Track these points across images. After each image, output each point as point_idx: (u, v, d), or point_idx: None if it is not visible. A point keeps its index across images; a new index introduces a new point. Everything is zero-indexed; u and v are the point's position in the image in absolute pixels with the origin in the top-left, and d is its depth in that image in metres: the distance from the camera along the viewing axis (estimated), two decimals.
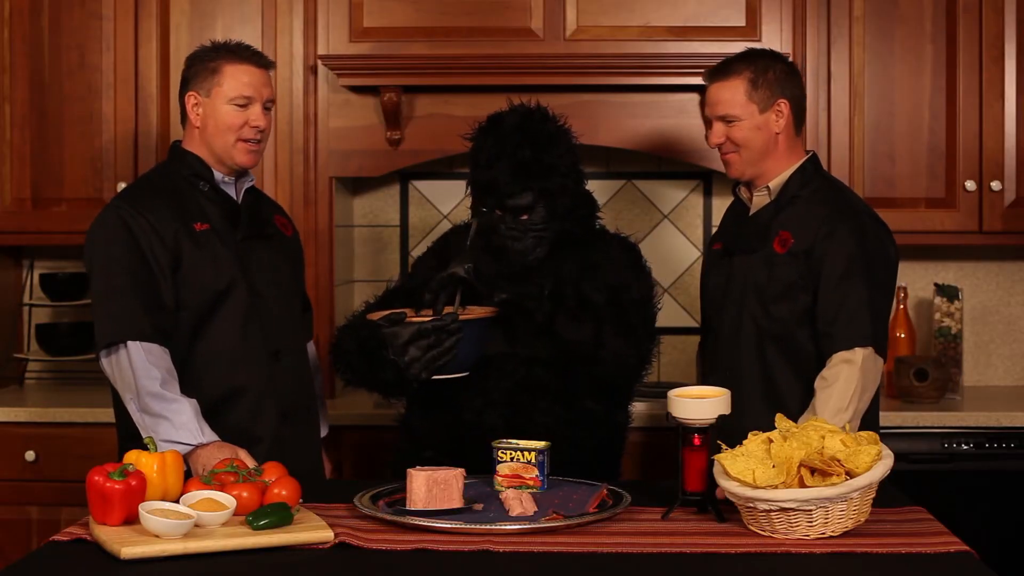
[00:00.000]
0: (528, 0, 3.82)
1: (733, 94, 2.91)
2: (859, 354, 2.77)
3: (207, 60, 2.91)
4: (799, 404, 2.82)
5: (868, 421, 2.88)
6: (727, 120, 2.92)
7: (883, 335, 2.84)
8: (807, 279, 2.86)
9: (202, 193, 2.91)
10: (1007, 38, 3.81)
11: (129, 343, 2.73)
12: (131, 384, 2.73)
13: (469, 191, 2.96)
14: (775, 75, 2.93)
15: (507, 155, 2.84)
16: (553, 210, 2.88)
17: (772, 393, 2.89)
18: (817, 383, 2.79)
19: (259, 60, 2.93)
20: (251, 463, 2.55)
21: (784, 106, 2.93)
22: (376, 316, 2.83)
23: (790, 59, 3.76)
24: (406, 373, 2.75)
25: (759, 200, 2.99)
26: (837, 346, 2.79)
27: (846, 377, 2.75)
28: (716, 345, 3.03)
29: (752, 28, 3.81)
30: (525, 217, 2.88)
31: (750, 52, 3.01)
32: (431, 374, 2.76)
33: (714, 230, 4.17)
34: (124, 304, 2.75)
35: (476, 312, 2.81)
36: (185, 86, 2.95)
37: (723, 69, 2.94)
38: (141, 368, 2.72)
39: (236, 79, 2.88)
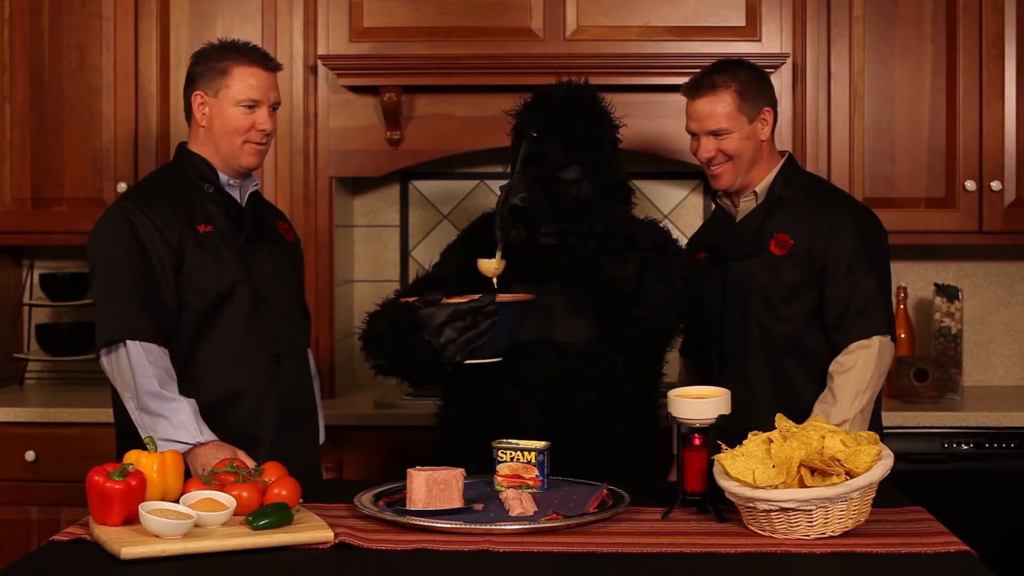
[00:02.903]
0: (528, 0, 3.82)
1: (723, 107, 2.93)
2: (876, 341, 2.84)
3: (216, 59, 2.91)
4: (813, 398, 2.85)
5: (871, 418, 2.89)
6: (718, 134, 2.94)
7: (892, 320, 2.91)
8: (812, 277, 2.90)
9: (207, 195, 2.91)
10: (1007, 38, 3.81)
11: (128, 342, 2.73)
12: (130, 383, 2.73)
13: (509, 168, 2.94)
14: (757, 84, 2.97)
15: (560, 128, 2.84)
16: (598, 185, 2.88)
17: (787, 394, 2.90)
18: (833, 367, 2.85)
19: (267, 63, 2.94)
20: (250, 463, 2.55)
21: (768, 114, 2.98)
22: (413, 299, 2.81)
23: (790, 60, 3.80)
24: (440, 355, 2.73)
25: (746, 205, 3.02)
26: (852, 338, 2.85)
27: (864, 362, 2.82)
28: (721, 354, 3.02)
29: (752, 28, 3.81)
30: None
31: (725, 64, 3.01)
32: (465, 357, 2.75)
33: None
34: (125, 303, 2.75)
35: (511, 296, 2.81)
36: (191, 84, 2.94)
37: (707, 84, 2.95)
38: (140, 367, 2.72)
39: (244, 82, 2.88)
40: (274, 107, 2.94)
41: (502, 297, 2.78)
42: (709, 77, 2.96)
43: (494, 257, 2.85)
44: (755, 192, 3.00)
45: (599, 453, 2.76)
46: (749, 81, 2.96)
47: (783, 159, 3.03)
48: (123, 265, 2.78)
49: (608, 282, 2.84)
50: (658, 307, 2.86)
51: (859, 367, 2.82)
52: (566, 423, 2.77)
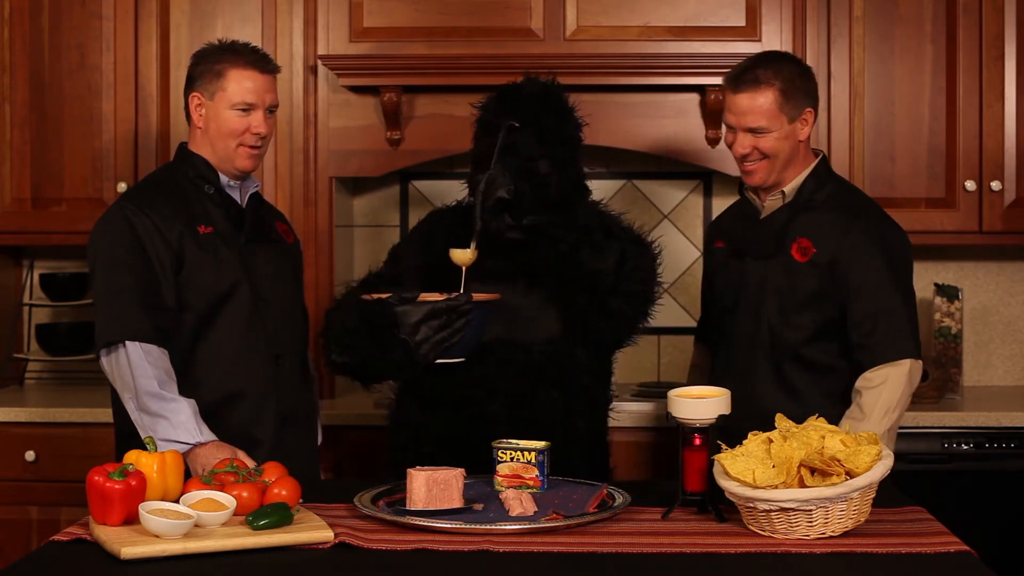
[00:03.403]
0: (528, 0, 3.82)
1: (764, 105, 2.84)
2: (906, 363, 2.80)
3: (213, 61, 2.90)
4: (817, 405, 2.80)
5: None
6: (756, 131, 2.86)
7: (919, 342, 2.85)
8: (831, 289, 2.85)
9: (207, 196, 2.91)
10: (1007, 38, 3.81)
11: (128, 343, 2.73)
12: (129, 383, 2.73)
13: (478, 177, 2.89)
14: (801, 83, 2.88)
15: (530, 122, 2.81)
16: (566, 181, 2.85)
17: (789, 397, 2.88)
18: (860, 383, 2.81)
19: (264, 65, 2.92)
20: (250, 463, 2.56)
21: (810, 115, 2.90)
22: (382, 295, 2.77)
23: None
24: (415, 354, 2.70)
25: (772, 203, 2.96)
26: (879, 360, 2.80)
27: (894, 379, 2.79)
28: (728, 349, 3.00)
29: (752, 28, 3.81)
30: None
31: (771, 57, 2.92)
32: (437, 356, 2.72)
33: None
34: (124, 304, 2.75)
35: (480, 296, 2.76)
36: (190, 85, 2.94)
37: (751, 78, 2.85)
38: (139, 368, 2.72)
39: (240, 84, 2.87)
40: (271, 110, 2.93)
41: (475, 296, 2.74)
42: (753, 71, 2.86)
43: (468, 247, 2.78)
44: (783, 192, 2.93)
45: (561, 450, 2.75)
46: (793, 79, 2.87)
47: (817, 160, 2.96)
48: (123, 266, 2.78)
49: (587, 274, 2.82)
50: (635, 299, 2.85)
51: (890, 384, 2.78)
52: (531, 423, 2.76)
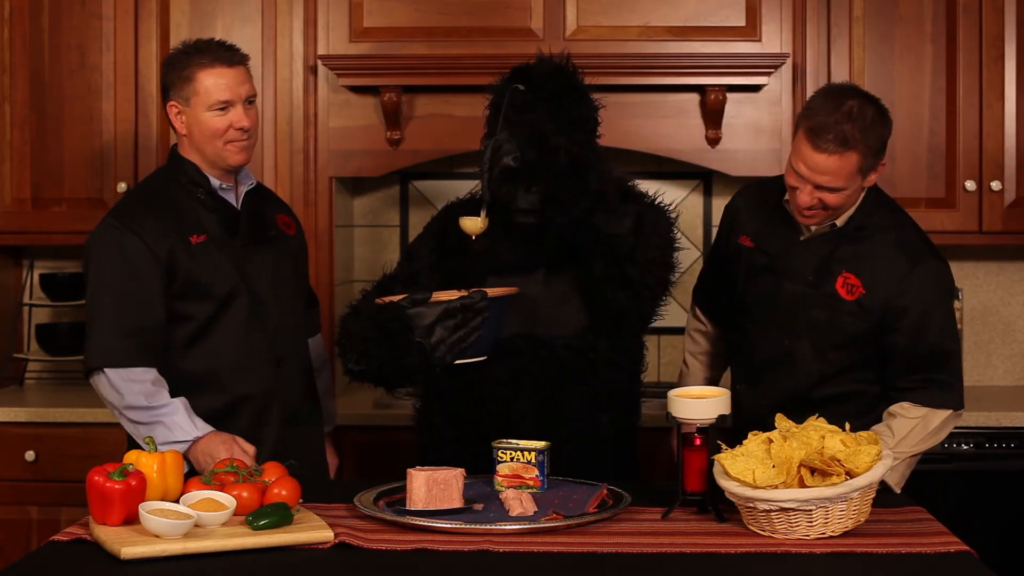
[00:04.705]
0: (528, 0, 3.82)
1: (846, 168, 2.62)
2: (949, 411, 2.75)
3: (181, 67, 2.85)
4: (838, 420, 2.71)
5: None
6: (828, 189, 2.65)
7: (962, 390, 2.79)
8: (879, 332, 2.74)
9: (199, 201, 2.88)
10: (1007, 38, 3.81)
11: (107, 370, 2.74)
12: (118, 404, 2.76)
13: (485, 144, 2.81)
14: (883, 136, 2.68)
15: (544, 101, 2.72)
16: (577, 152, 2.77)
17: (806, 413, 2.81)
18: (898, 409, 2.73)
19: (231, 58, 2.86)
20: (250, 450, 2.59)
21: (882, 166, 2.72)
22: (395, 298, 2.72)
23: (790, 60, 3.79)
24: (431, 357, 2.65)
25: (819, 228, 2.79)
26: (926, 404, 2.73)
27: (932, 419, 2.73)
28: (750, 361, 2.90)
29: (752, 28, 3.81)
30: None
31: (853, 106, 2.63)
32: (455, 357, 2.67)
33: (714, 230, 4.17)
34: (105, 330, 2.76)
35: (496, 291, 2.71)
36: (165, 95, 2.89)
37: (838, 138, 2.59)
38: (124, 388, 2.74)
39: (212, 83, 2.82)
40: (249, 100, 2.87)
41: (491, 292, 2.69)
42: (838, 129, 2.58)
43: (478, 216, 2.73)
44: (835, 222, 2.78)
45: (588, 445, 2.74)
46: (878, 135, 2.65)
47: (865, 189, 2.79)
48: (106, 288, 2.77)
49: (603, 239, 2.75)
50: (653, 265, 2.77)
51: (926, 422, 2.71)
52: (557, 419, 2.74)
